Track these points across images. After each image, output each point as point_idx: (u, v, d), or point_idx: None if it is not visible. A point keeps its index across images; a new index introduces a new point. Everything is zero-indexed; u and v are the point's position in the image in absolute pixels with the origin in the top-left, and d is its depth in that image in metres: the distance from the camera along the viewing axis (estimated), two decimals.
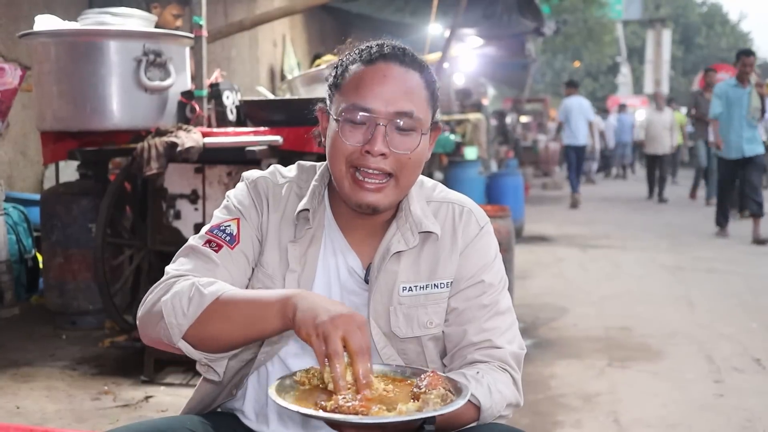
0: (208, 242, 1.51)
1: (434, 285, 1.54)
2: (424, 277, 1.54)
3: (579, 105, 12.29)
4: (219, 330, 1.36)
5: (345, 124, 1.46)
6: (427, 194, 1.61)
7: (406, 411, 1.22)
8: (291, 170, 1.63)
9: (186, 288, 1.39)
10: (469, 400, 1.42)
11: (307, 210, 1.53)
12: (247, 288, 1.55)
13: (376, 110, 1.44)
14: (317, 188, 1.56)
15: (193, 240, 1.53)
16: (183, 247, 1.53)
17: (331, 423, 1.22)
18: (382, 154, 1.44)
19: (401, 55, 1.49)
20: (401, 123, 1.45)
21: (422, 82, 1.49)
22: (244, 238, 1.52)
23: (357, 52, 1.51)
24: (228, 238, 1.51)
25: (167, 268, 1.50)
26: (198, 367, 1.48)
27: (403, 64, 1.48)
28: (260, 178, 1.60)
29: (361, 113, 1.44)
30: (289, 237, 1.54)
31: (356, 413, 1.20)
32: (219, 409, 1.63)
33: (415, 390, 1.28)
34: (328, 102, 1.53)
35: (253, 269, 1.55)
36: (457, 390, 1.30)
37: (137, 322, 1.48)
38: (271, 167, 1.64)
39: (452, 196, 1.62)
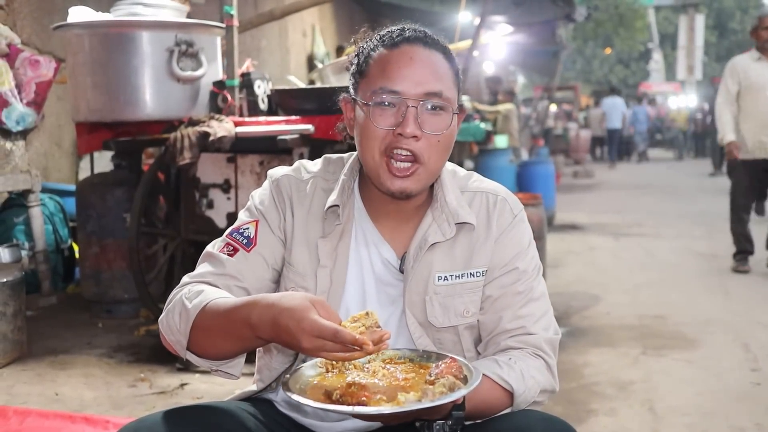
0: (226, 246, 1.51)
1: (470, 274, 1.53)
2: (459, 266, 1.53)
3: (614, 103, 20.31)
4: (208, 343, 1.38)
5: (375, 108, 1.45)
6: (461, 184, 1.60)
7: (404, 401, 1.22)
8: (316, 164, 1.62)
9: (177, 303, 1.41)
10: (502, 386, 1.43)
11: (337, 206, 1.53)
12: (277, 287, 1.55)
13: (405, 92, 1.43)
14: (346, 182, 1.55)
15: (212, 246, 1.54)
16: (203, 253, 1.55)
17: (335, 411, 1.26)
18: (415, 136, 1.43)
19: (423, 37, 1.48)
20: (431, 103, 1.44)
21: (446, 63, 1.48)
22: (261, 241, 1.52)
23: (378, 38, 1.50)
24: (245, 241, 1.51)
25: (184, 277, 1.51)
26: (212, 372, 1.46)
27: (427, 46, 1.47)
28: (283, 176, 1.59)
29: (390, 95, 1.44)
30: (318, 233, 1.53)
31: (358, 404, 1.22)
32: (256, 396, 1.63)
33: (427, 378, 1.29)
34: (352, 91, 1.52)
35: (279, 271, 1.55)
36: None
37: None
38: (296, 163, 1.64)
39: (486, 185, 1.61)
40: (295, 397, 1.24)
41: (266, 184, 1.60)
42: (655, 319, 4.76)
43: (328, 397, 1.25)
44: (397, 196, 1.48)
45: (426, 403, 1.20)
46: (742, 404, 3.32)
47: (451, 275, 1.53)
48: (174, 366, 3.61)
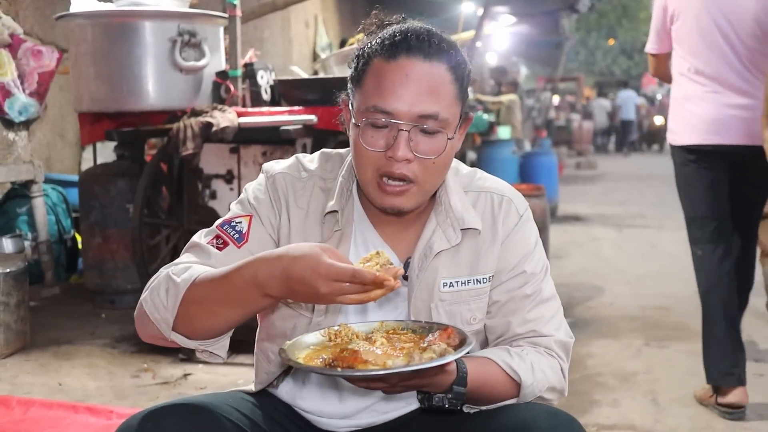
0: (216, 238, 1.45)
1: (476, 280, 1.49)
2: (465, 271, 1.49)
3: (628, 96, 22.04)
4: (204, 316, 1.30)
5: (366, 128, 1.38)
6: (464, 183, 1.55)
7: (392, 365, 1.22)
8: (313, 161, 1.55)
9: (162, 280, 1.35)
10: (509, 375, 1.41)
11: (336, 211, 1.47)
12: None
13: (398, 113, 1.35)
14: (345, 184, 1.50)
15: (199, 236, 1.47)
16: (189, 242, 1.48)
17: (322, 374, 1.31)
18: (407, 159, 1.37)
19: (426, 47, 1.37)
20: (425, 126, 1.36)
21: (449, 76, 1.38)
22: (253, 237, 1.45)
23: (379, 41, 1.41)
24: (236, 236, 1.45)
25: (162, 268, 1.45)
26: (198, 354, 1.41)
27: (428, 57, 1.36)
28: (280, 174, 1.52)
29: (383, 116, 1.36)
30: (317, 237, 1.47)
31: (348, 368, 1.22)
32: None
33: (421, 345, 1.29)
34: (350, 95, 1.46)
35: None
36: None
37: (135, 321, 1.44)
38: (293, 158, 1.57)
39: (490, 184, 1.56)
40: (288, 360, 1.23)
41: (262, 179, 1.54)
42: (657, 310, 4.76)
43: (324, 364, 1.25)
44: (389, 212, 1.44)
45: (413, 366, 1.19)
46: None
47: (457, 281, 1.48)
48: (177, 356, 3.62)
